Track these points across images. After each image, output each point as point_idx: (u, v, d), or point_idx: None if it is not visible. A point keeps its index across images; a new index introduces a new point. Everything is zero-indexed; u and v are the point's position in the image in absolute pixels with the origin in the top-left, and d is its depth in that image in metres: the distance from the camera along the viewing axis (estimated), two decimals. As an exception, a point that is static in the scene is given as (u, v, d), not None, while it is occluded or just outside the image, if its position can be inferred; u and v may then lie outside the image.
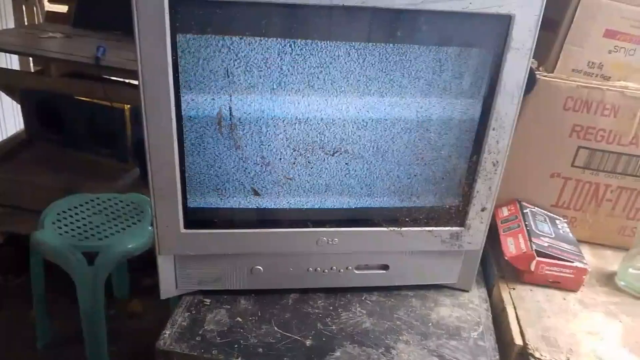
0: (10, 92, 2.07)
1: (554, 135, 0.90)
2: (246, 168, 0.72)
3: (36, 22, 2.27)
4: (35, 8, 2.29)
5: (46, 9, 2.29)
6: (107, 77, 1.79)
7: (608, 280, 0.89)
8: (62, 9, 2.22)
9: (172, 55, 0.63)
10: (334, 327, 0.77)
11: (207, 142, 0.70)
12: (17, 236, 1.82)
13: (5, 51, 1.88)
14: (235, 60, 0.65)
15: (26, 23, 2.30)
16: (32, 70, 2.30)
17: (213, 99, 0.67)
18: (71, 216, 1.43)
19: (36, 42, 1.80)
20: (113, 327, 1.46)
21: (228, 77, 0.66)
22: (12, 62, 2.31)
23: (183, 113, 0.67)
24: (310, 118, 0.69)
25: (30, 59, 2.26)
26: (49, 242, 1.31)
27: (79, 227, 1.39)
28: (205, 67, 0.65)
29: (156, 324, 0.77)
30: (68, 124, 1.98)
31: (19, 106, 2.14)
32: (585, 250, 0.94)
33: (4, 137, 2.26)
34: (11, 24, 2.31)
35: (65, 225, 1.39)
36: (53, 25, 2.07)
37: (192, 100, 0.67)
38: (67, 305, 1.43)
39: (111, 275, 1.67)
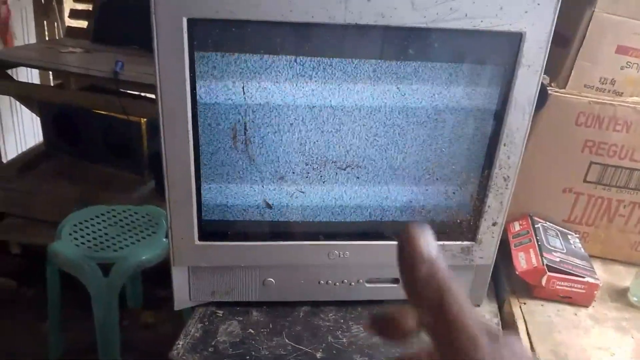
0: (30, 105, 2.12)
1: (566, 150, 0.91)
2: (260, 181, 0.73)
3: (57, 37, 2.33)
4: (56, 23, 2.35)
5: (67, 24, 2.35)
6: (124, 90, 1.83)
7: (620, 295, 0.89)
8: (82, 24, 2.28)
9: (190, 72, 0.65)
10: (344, 340, 0.78)
11: (222, 156, 0.71)
12: (33, 247, 1.85)
13: (27, 65, 1.93)
14: (251, 77, 0.66)
15: (47, 38, 2.36)
16: (52, 83, 2.36)
17: (228, 114, 0.69)
18: (87, 227, 1.46)
19: (56, 56, 1.85)
20: (126, 338, 1.48)
21: (244, 93, 0.67)
22: (32, 75, 2.37)
23: (200, 128, 0.69)
24: (323, 133, 0.71)
25: (50, 72, 2.32)
26: (66, 252, 1.34)
27: (94, 239, 1.41)
28: (221, 83, 0.67)
29: (169, 335, 0.79)
30: (85, 137, 2.02)
31: (38, 119, 2.19)
32: (597, 266, 0.93)
33: (24, 149, 2.31)
34: (33, 39, 2.37)
35: (82, 236, 1.42)
36: (73, 40, 2.13)
37: (209, 115, 0.68)
38: (80, 318, 1.45)
39: (125, 287, 1.69)
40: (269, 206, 0.76)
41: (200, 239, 0.75)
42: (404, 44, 0.67)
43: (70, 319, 1.56)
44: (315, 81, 0.67)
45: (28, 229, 1.92)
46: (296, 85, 0.67)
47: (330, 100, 0.69)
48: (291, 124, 0.70)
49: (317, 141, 0.71)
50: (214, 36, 0.64)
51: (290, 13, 0.62)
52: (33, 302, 1.83)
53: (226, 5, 0.61)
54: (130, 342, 1.58)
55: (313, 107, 0.69)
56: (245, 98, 0.68)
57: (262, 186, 0.74)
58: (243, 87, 0.67)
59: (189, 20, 0.62)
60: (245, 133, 0.70)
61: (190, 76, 0.65)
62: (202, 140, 0.70)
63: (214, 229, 0.76)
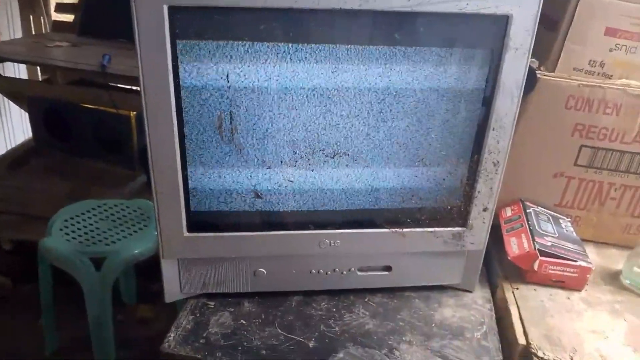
0: (18, 101, 2.10)
1: (556, 134, 0.90)
2: (247, 171, 0.73)
3: (43, 32, 2.30)
4: (42, 18, 2.32)
5: (53, 18, 2.32)
6: (113, 84, 1.81)
7: (613, 279, 0.89)
8: (69, 18, 2.25)
9: (173, 62, 0.64)
10: (337, 329, 0.77)
11: (208, 146, 0.71)
12: (25, 243, 1.84)
13: (12, 60, 1.91)
14: (235, 64, 0.65)
15: (34, 32, 2.33)
16: (40, 78, 2.33)
17: (213, 103, 0.68)
18: (78, 222, 1.44)
19: (42, 51, 1.82)
20: (121, 333, 1.47)
21: (228, 81, 0.66)
22: (20, 71, 2.34)
23: (184, 118, 0.68)
24: (310, 121, 0.70)
25: (38, 67, 2.29)
26: (57, 248, 1.33)
27: (86, 233, 1.40)
28: (205, 72, 0.66)
29: (164, 329, 0.78)
30: (75, 132, 2.00)
31: (26, 114, 2.17)
32: (590, 249, 0.93)
33: (13, 145, 2.29)
34: (19, 34, 2.34)
35: (73, 231, 1.40)
36: (60, 35, 2.10)
37: (193, 105, 0.67)
38: (75, 312, 1.44)
39: (119, 282, 1.68)
40: (258, 196, 0.75)
41: (189, 230, 0.75)
42: (389, 28, 0.66)
43: (66, 315, 1.55)
44: (301, 68, 0.66)
45: (20, 225, 1.90)
46: (281, 72, 0.66)
47: (316, 88, 0.68)
48: (277, 112, 0.69)
49: (305, 129, 0.70)
50: (196, 24, 0.63)
51: (273, -1, 0.61)
52: (28, 298, 1.82)
53: (207, -9, 0.60)
54: (126, 338, 1.57)
55: (299, 94, 0.68)
56: (229, 86, 0.67)
57: (250, 176, 0.73)
58: (227, 76, 0.66)
59: (170, 8, 0.61)
60: (231, 122, 0.69)
61: (172, 66, 0.64)
62: (187, 130, 0.69)
63: (203, 221, 0.75)
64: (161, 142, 0.68)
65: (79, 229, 1.42)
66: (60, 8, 2.27)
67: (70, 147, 2.05)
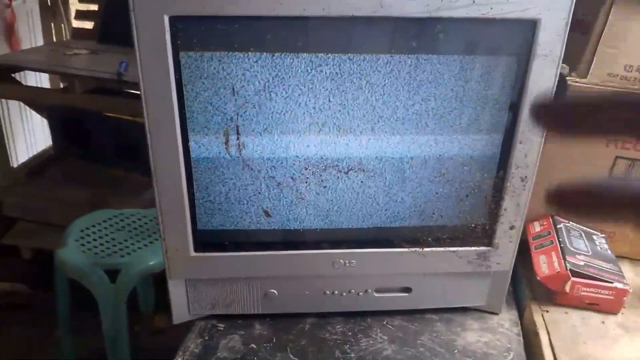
0: (38, 109, 2.10)
1: (590, 145, 0.84)
2: (256, 188, 0.69)
3: (64, 39, 2.31)
4: (62, 25, 2.33)
5: (73, 25, 2.33)
6: (131, 91, 1.79)
7: (652, 300, 0.82)
8: (89, 25, 2.25)
9: (175, 74, 0.60)
10: (352, 355, 0.73)
11: (215, 162, 0.67)
12: (44, 252, 1.84)
13: (30, 69, 1.91)
14: (241, 77, 0.61)
15: (54, 39, 2.34)
16: (61, 86, 2.34)
17: (219, 117, 0.64)
18: (94, 233, 1.43)
19: (60, 59, 1.82)
20: (138, 343, 1.45)
21: (234, 94, 0.62)
22: (41, 79, 2.36)
23: (189, 132, 0.64)
24: (322, 135, 0.65)
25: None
26: (71, 260, 1.31)
27: (101, 244, 1.38)
28: (209, 84, 0.62)
29: (180, 340, 0.75)
30: (93, 139, 2.00)
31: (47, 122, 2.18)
32: (626, 268, 0.87)
33: (34, 154, 2.30)
34: (40, 41, 2.35)
35: (88, 242, 1.39)
36: (79, 42, 2.10)
37: (198, 118, 0.64)
38: (94, 322, 1.43)
39: (136, 290, 1.67)
40: (267, 214, 0.71)
41: (196, 250, 0.71)
42: (407, 36, 0.61)
43: (84, 324, 1.54)
44: (311, 79, 0.62)
45: (39, 233, 1.91)
46: (290, 84, 0.62)
47: (328, 99, 0.63)
48: (286, 126, 0.65)
49: (316, 144, 0.66)
50: (199, 34, 0.59)
51: (281, 6, 0.57)
52: (46, 307, 1.82)
53: (209, 0, 0.56)
54: (143, 348, 1.56)
55: (308, 107, 0.64)
56: (236, 99, 0.63)
57: (259, 193, 0.69)
58: (233, 88, 0.62)
59: (171, 18, 0.57)
60: (238, 137, 0.65)
61: (175, 78, 0.60)
62: (193, 146, 0.65)
63: (210, 240, 0.71)
64: (165, 158, 0.64)
65: (94, 239, 1.40)
66: (81, 15, 2.28)
67: (89, 155, 2.06)
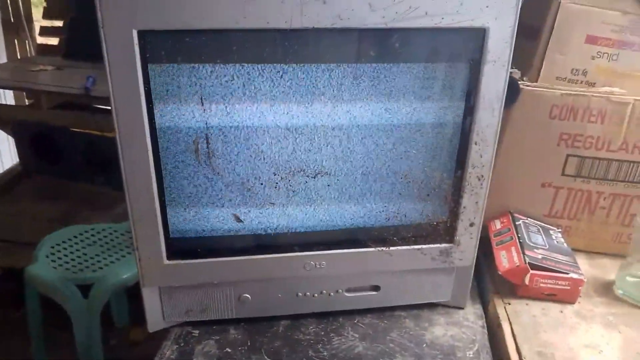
0: (4, 126, 2.08)
1: (542, 144, 0.89)
2: (227, 195, 0.71)
3: (28, 55, 2.29)
4: (27, 41, 2.31)
5: (37, 41, 2.31)
6: (99, 106, 1.79)
7: (606, 289, 0.87)
8: (54, 41, 2.24)
9: (145, 86, 0.62)
10: (325, 354, 0.75)
11: (185, 171, 0.69)
12: (15, 270, 1.81)
13: (-5, 86, 1.89)
14: (209, 87, 0.64)
15: (19, 56, 2.32)
16: (27, 103, 2.32)
17: (189, 126, 0.66)
18: (65, 249, 1.42)
19: (26, 75, 1.81)
20: (113, 356, 1.45)
21: (202, 104, 0.65)
22: (6, 96, 2.33)
23: (159, 142, 0.66)
24: (288, 142, 0.68)
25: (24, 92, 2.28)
26: (43, 276, 1.30)
27: (73, 260, 1.38)
28: (178, 95, 0.64)
29: (157, 351, 0.76)
30: (62, 155, 1.98)
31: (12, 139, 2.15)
32: (582, 260, 0.92)
33: (1, 171, 2.27)
34: (4, 58, 2.32)
35: (59, 258, 1.38)
36: (44, 58, 2.09)
37: (168, 128, 0.66)
38: (66, 337, 1.41)
39: (110, 304, 1.66)
40: (239, 220, 0.73)
41: (168, 257, 0.73)
42: (365, 46, 0.65)
43: (57, 340, 1.53)
44: (276, 88, 0.65)
45: (9, 251, 1.88)
46: (256, 93, 0.65)
47: (293, 107, 0.66)
48: (254, 134, 0.67)
49: (283, 150, 0.69)
50: (167, 47, 0.62)
51: (245, 19, 0.60)
52: (19, 323, 1.79)
53: (176, 15, 0.59)
54: (118, 362, 1.55)
55: (275, 115, 0.66)
56: (204, 109, 0.65)
57: (230, 200, 0.71)
58: (202, 98, 0.65)
59: (140, 32, 0.59)
60: (207, 146, 0.68)
61: (145, 90, 0.62)
62: (163, 155, 0.67)
63: (183, 247, 0.73)
64: (136, 168, 0.66)
65: (65, 255, 1.39)
66: (45, 31, 2.26)
67: (58, 171, 2.04)
